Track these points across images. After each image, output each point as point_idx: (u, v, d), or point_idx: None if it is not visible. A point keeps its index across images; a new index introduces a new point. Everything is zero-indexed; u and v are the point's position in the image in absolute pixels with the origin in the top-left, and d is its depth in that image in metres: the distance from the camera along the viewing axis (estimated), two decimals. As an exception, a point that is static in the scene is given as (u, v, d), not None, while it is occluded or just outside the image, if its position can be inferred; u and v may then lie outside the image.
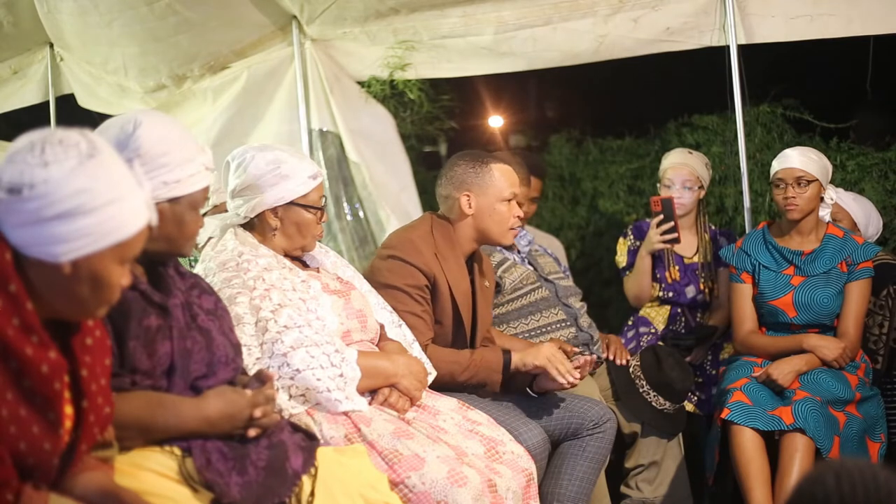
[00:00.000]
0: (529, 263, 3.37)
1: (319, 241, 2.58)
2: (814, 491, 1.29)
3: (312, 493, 1.87)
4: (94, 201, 1.40)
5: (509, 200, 2.84)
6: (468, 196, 2.83)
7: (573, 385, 2.73)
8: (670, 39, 3.77)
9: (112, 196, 1.42)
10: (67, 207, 1.39)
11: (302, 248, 2.50)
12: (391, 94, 4.35)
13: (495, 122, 7.27)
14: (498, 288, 3.16)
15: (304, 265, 2.55)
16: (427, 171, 4.92)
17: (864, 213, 3.52)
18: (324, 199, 2.51)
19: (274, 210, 2.42)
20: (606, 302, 4.62)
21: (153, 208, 1.52)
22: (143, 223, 1.47)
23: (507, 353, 2.75)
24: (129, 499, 1.60)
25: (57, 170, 1.39)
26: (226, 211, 2.49)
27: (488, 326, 3.02)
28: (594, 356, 2.83)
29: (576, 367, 2.72)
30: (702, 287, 3.70)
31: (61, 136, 1.42)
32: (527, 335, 3.18)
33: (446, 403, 2.50)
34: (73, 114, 4.58)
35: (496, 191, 2.83)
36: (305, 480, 1.87)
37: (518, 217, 2.87)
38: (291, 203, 2.42)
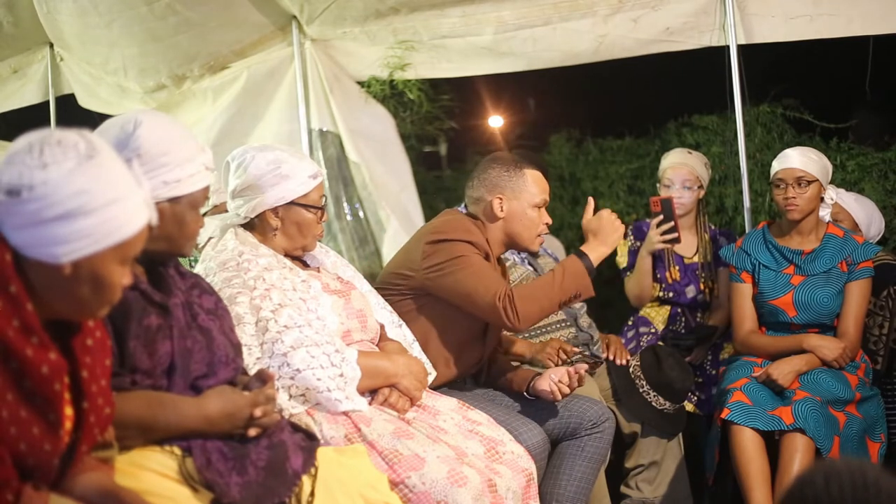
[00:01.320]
0: (529, 264, 3.37)
1: (319, 241, 2.59)
2: (804, 492, 1.30)
3: (312, 493, 1.86)
4: (94, 202, 1.40)
5: (540, 207, 2.83)
6: (500, 199, 2.82)
7: (565, 395, 2.72)
8: (670, 39, 3.77)
9: (112, 196, 1.42)
10: (67, 209, 1.39)
11: (303, 247, 2.50)
12: (391, 94, 4.35)
13: (495, 122, 7.26)
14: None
15: (305, 265, 2.55)
16: (427, 171, 4.92)
17: (865, 214, 3.52)
18: (324, 199, 2.51)
19: (274, 210, 2.42)
20: (606, 302, 4.62)
21: (153, 208, 1.52)
22: (143, 223, 1.47)
23: (582, 255, 2.69)
24: (130, 499, 1.60)
25: (56, 171, 1.39)
26: (226, 211, 2.49)
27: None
28: (585, 366, 2.79)
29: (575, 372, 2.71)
30: (702, 287, 3.70)
31: (60, 137, 1.42)
32: (526, 335, 3.18)
33: (446, 403, 2.50)
34: (73, 114, 4.58)
35: (529, 196, 2.82)
36: (305, 480, 1.87)
37: (546, 224, 2.86)
38: (292, 203, 2.42)
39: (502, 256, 3.24)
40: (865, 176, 3.95)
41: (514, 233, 2.84)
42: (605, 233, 2.73)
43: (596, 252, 2.71)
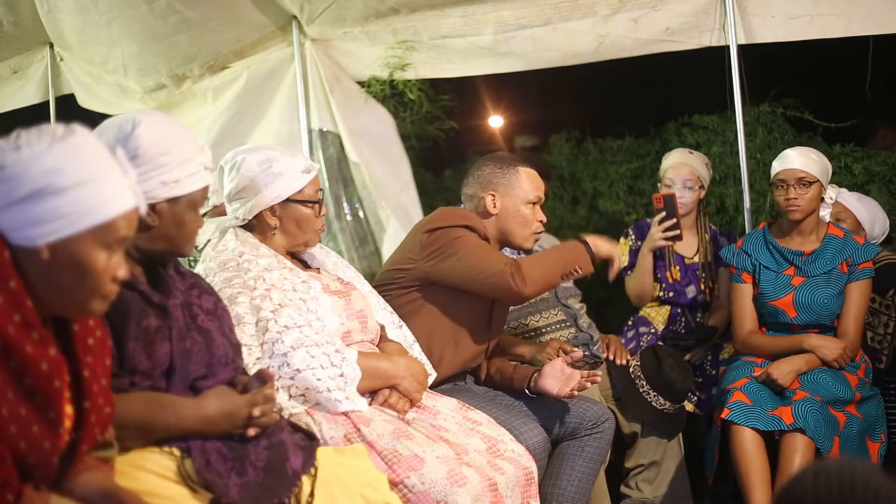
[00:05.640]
0: (530, 263, 3.37)
1: (320, 242, 2.59)
2: (793, 489, 1.32)
3: (312, 494, 1.86)
4: (65, 181, 1.39)
5: (534, 204, 2.86)
6: (493, 196, 2.85)
7: (571, 396, 2.72)
8: (670, 39, 3.77)
9: (85, 176, 1.41)
10: (36, 187, 1.38)
11: (304, 243, 2.50)
12: (391, 94, 4.35)
13: (495, 122, 7.25)
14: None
15: (305, 265, 2.54)
16: (427, 171, 4.92)
17: (869, 214, 3.52)
18: (321, 193, 2.50)
19: (271, 209, 2.42)
20: (606, 302, 4.62)
21: (142, 196, 1.51)
22: (125, 207, 1.46)
23: (583, 242, 2.76)
24: (129, 499, 1.60)
25: (27, 152, 1.40)
26: (225, 213, 2.49)
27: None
28: (596, 372, 2.78)
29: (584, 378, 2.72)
30: (702, 287, 3.70)
31: (43, 127, 1.44)
32: (526, 335, 3.18)
33: (446, 404, 2.50)
34: (73, 114, 4.57)
35: (522, 192, 2.84)
36: (305, 480, 1.87)
37: (540, 222, 2.87)
38: (288, 200, 2.42)
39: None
40: (871, 178, 3.95)
41: (507, 230, 2.85)
42: (609, 244, 2.79)
43: (594, 242, 2.76)
